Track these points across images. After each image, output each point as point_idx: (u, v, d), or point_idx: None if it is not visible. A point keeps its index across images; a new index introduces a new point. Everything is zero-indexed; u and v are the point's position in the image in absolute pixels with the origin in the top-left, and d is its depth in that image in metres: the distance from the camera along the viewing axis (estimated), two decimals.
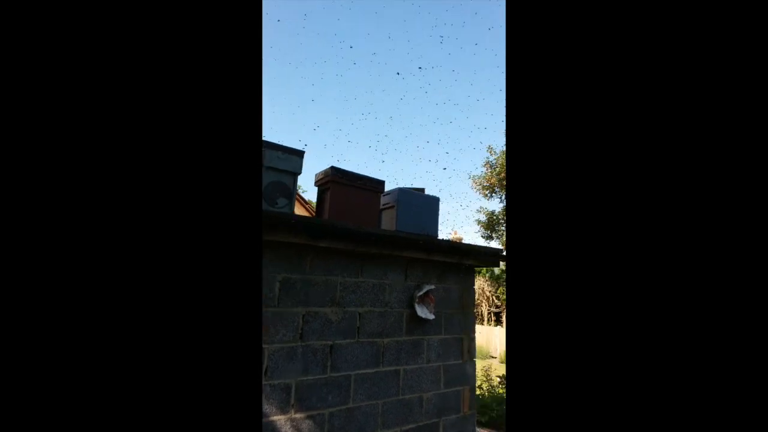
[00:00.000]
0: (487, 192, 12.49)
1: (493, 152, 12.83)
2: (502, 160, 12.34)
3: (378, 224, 2.17)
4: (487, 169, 12.54)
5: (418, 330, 2.28)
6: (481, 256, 2.58)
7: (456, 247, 2.40)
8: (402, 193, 2.27)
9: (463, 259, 2.49)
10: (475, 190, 12.91)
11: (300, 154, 1.85)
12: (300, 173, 1.86)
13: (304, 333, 1.81)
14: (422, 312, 2.23)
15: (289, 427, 1.71)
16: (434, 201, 2.43)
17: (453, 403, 2.38)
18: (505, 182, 12.06)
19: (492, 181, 12.12)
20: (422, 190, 2.47)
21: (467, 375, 2.49)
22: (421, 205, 2.35)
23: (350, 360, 1.96)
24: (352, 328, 1.99)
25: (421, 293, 2.25)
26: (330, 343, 1.90)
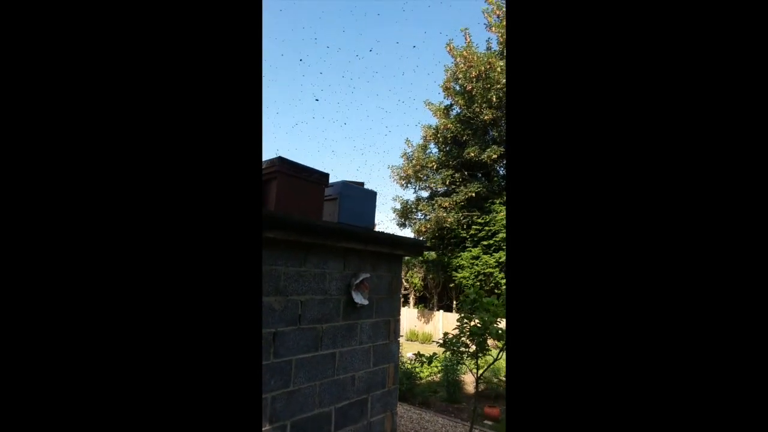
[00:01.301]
0: (403, 182, 13.15)
1: (410, 144, 13.48)
2: (418, 153, 13.09)
3: (321, 215, 2.25)
4: (404, 161, 13.16)
5: (353, 315, 2.45)
6: (409, 247, 2.84)
7: (389, 239, 2.61)
8: (344, 186, 2.38)
9: (395, 249, 2.72)
10: (392, 179, 13.46)
11: None
12: None
13: None
14: (358, 298, 2.40)
15: None
16: (372, 195, 2.59)
17: (380, 379, 2.63)
18: (419, 174, 12.84)
19: (408, 171, 12.79)
20: (362, 183, 2.61)
21: (392, 353, 2.76)
22: (360, 198, 2.49)
23: (291, 346, 2.03)
24: (294, 316, 2.06)
25: (357, 281, 2.41)
26: (273, 330, 1.95)
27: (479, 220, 11.90)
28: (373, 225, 2.60)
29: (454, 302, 13.67)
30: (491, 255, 11.51)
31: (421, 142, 13.32)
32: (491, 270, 11.33)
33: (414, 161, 12.73)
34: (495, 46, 11.94)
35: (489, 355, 3.20)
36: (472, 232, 11.91)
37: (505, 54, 11.18)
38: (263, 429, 1.85)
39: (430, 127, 13.05)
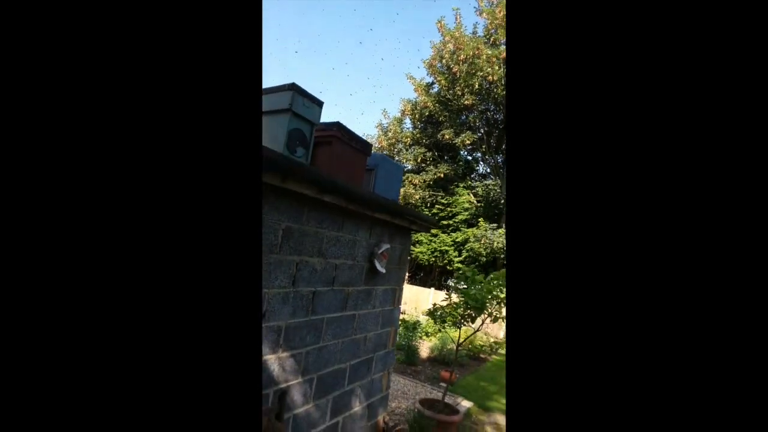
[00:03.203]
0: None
1: (386, 116, 13.37)
2: (394, 126, 13.05)
3: (361, 184, 2.30)
4: (379, 131, 13.05)
5: (372, 281, 2.58)
6: (423, 222, 3.00)
7: (411, 214, 2.75)
8: (382, 158, 2.44)
9: (411, 224, 2.86)
10: None
11: (320, 104, 1.81)
12: (318, 124, 1.82)
13: (296, 279, 1.89)
14: (379, 266, 2.54)
15: (276, 365, 1.82)
16: (400, 169, 2.68)
17: (384, 340, 2.84)
18: (393, 147, 12.87)
19: (382, 143, 12.75)
20: (392, 157, 2.67)
21: (395, 318, 2.97)
22: (392, 172, 2.57)
23: (326, 305, 2.14)
24: (330, 278, 2.15)
25: (380, 251, 2.54)
26: (313, 290, 2.03)
27: (443, 200, 12.37)
28: (398, 198, 2.70)
29: (406, 274, 14.29)
30: (449, 234, 12.11)
31: (398, 115, 13.27)
32: (447, 248, 11.98)
33: (390, 134, 12.70)
34: (480, 32, 12.02)
35: (470, 326, 3.55)
36: (434, 210, 12.37)
37: (491, 42, 11.32)
38: (297, 381, 1.97)
39: (409, 101, 13.00)
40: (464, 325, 3.37)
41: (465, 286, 3.08)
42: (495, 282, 2.99)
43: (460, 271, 3.23)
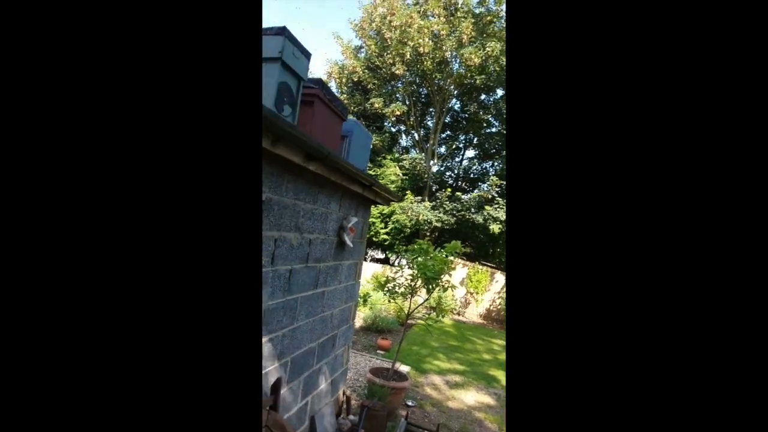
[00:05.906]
0: None
1: (312, 76, 12.54)
2: None
3: (339, 152, 2.11)
4: None
5: (339, 256, 2.45)
6: (387, 196, 2.92)
7: (379, 186, 2.64)
8: (355, 124, 2.26)
9: (377, 197, 2.76)
10: None
11: (308, 56, 1.55)
12: (305, 80, 1.56)
13: (275, 257, 1.68)
14: (348, 240, 2.41)
15: None
16: (369, 138, 2.53)
17: (346, 315, 2.77)
18: None
19: None
20: (363, 123, 2.49)
21: (356, 292, 2.90)
22: (363, 140, 2.41)
23: (300, 283, 1.96)
24: (304, 254, 1.96)
25: (350, 224, 2.40)
26: (290, 267, 1.83)
27: (371, 171, 12.36)
28: (366, 169, 2.57)
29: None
30: (376, 206, 12.25)
31: (324, 77, 12.54)
32: (374, 220, 12.13)
33: None
34: (410, 1, 11.84)
35: (419, 296, 3.68)
36: None
37: (422, 12, 11.25)
38: (274, 366, 1.80)
39: (336, 63, 12.35)
40: (416, 295, 3.47)
41: (420, 258, 3.14)
42: (447, 253, 3.11)
43: (416, 245, 3.27)
